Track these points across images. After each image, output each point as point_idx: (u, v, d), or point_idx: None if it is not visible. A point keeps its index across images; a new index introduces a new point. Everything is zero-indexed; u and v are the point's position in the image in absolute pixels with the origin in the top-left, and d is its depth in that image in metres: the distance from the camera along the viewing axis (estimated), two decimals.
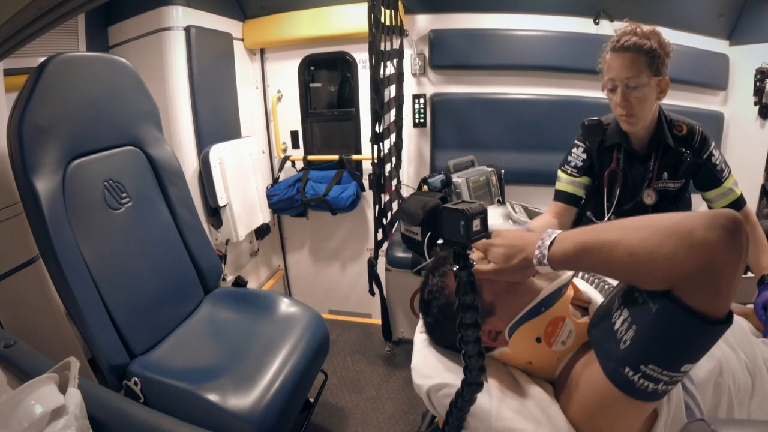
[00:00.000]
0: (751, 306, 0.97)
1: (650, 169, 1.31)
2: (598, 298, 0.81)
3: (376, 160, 1.87)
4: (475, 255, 0.73)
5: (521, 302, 0.74)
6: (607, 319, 0.64)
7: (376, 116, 1.81)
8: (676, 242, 0.52)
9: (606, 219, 1.38)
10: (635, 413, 0.62)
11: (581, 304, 0.82)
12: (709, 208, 1.35)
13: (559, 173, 1.44)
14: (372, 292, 2.08)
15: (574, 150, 1.41)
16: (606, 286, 0.87)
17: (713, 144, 1.29)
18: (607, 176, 1.36)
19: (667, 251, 0.52)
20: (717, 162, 1.28)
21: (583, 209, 1.46)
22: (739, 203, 1.30)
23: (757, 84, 2.06)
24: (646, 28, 1.17)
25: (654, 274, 0.54)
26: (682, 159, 1.28)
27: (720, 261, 0.51)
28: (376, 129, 1.83)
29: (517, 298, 0.74)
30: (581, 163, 1.39)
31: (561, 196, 1.41)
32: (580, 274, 0.96)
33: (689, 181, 1.34)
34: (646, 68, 1.15)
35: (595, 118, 1.37)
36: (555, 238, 0.66)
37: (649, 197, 1.32)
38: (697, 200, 1.50)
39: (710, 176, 1.29)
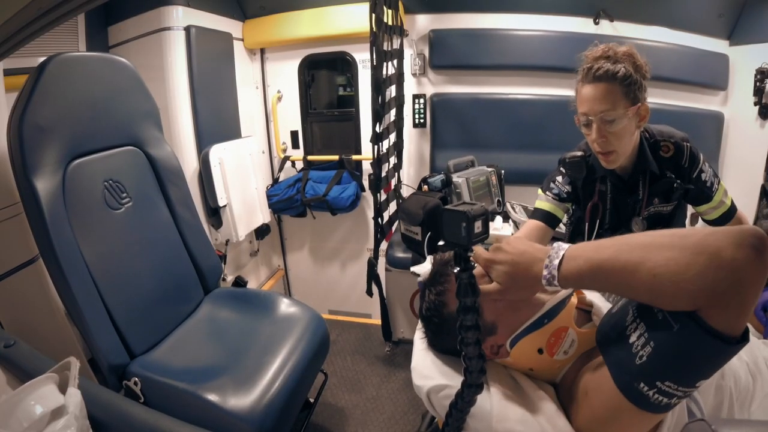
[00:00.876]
0: None
1: (640, 198, 1.23)
2: (601, 303, 0.81)
3: (375, 160, 1.87)
4: (476, 271, 0.67)
5: (523, 316, 0.73)
6: (620, 330, 0.62)
7: (377, 116, 1.81)
8: (705, 263, 0.50)
9: None
10: (646, 424, 0.61)
11: (584, 308, 0.81)
12: (702, 219, 1.31)
13: (540, 192, 1.35)
14: (370, 293, 2.08)
15: (558, 178, 1.32)
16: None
17: (702, 158, 1.20)
18: (589, 210, 1.28)
19: (695, 273, 0.50)
20: (707, 179, 1.21)
21: (572, 242, 1.42)
22: (730, 212, 1.25)
23: (757, 84, 2.06)
24: (619, 48, 1.06)
25: (680, 297, 0.52)
26: (672, 188, 1.21)
27: (747, 281, 0.49)
28: (377, 129, 1.82)
29: (519, 312, 0.73)
30: (565, 195, 1.30)
31: (539, 214, 1.31)
32: None
33: (681, 200, 1.28)
34: (623, 98, 1.05)
35: (578, 153, 1.27)
36: (564, 254, 0.62)
37: (636, 226, 1.24)
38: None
39: (701, 193, 1.22)
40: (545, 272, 0.62)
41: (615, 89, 1.04)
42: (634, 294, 0.59)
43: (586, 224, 1.29)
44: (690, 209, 1.39)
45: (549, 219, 1.30)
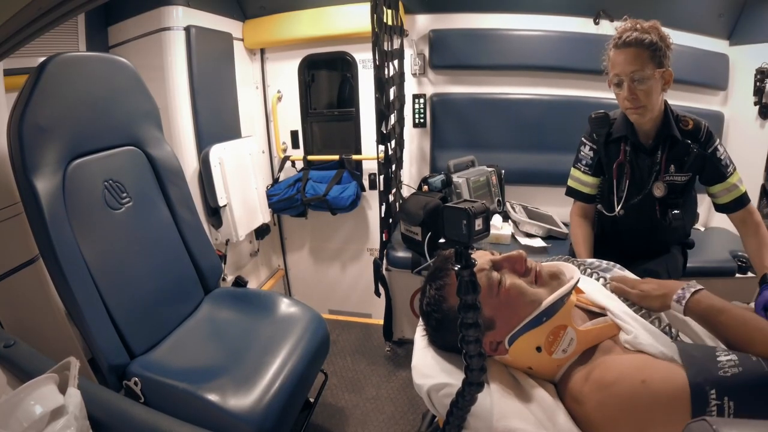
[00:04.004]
0: (751, 305, 0.97)
1: (657, 162, 1.32)
2: (601, 300, 0.80)
3: (383, 161, 1.86)
4: (476, 268, 0.66)
5: (522, 313, 0.73)
6: (709, 351, 0.66)
7: (382, 116, 1.80)
8: None
9: (616, 212, 1.39)
10: (678, 426, 0.61)
11: (584, 306, 0.81)
12: (714, 203, 1.37)
13: (573, 171, 1.49)
14: (378, 293, 2.08)
15: (582, 148, 1.45)
16: (608, 286, 0.87)
17: (718, 140, 1.31)
18: (616, 168, 1.38)
19: None
20: (722, 157, 1.30)
21: (603, 205, 1.50)
22: (743, 200, 1.31)
23: (757, 84, 2.06)
24: (645, 23, 1.21)
25: None
26: (688, 151, 1.29)
27: None
28: (383, 129, 1.82)
29: (517, 310, 0.74)
30: (590, 161, 1.43)
31: (580, 196, 1.49)
32: (584, 270, 0.95)
33: (695, 176, 1.35)
34: (650, 61, 1.19)
35: (602, 111, 1.40)
36: (701, 290, 0.73)
37: (658, 190, 1.34)
38: (701, 198, 1.52)
39: (715, 171, 1.30)
40: (680, 291, 0.74)
41: (643, 53, 1.19)
42: (740, 346, 0.66)
43: (614, 181, 1.39)
44: (699, 202, 1.42)
45: (587, 198, 1.48)
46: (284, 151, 2.78)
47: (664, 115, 1.30)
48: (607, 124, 1.38)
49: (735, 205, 1.32)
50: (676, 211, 1.35)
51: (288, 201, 2.60)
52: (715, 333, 0.72)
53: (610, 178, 1.41)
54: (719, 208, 1.36)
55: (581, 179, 1.46)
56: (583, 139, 1.45)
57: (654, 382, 0.62)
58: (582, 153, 1.46)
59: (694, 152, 1.29)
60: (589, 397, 0.67)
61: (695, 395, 0.58)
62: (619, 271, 0.96)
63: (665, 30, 1.21)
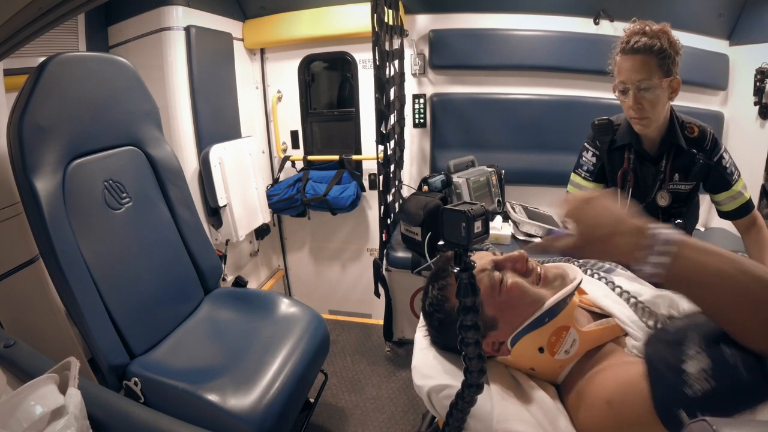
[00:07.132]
0: None
1: (662, 170, 1.29)
2: (608, 305, 0.80)
3: (381, 161, 1.86)
4: (476, 270, 0.63)
5: (524, 314, 0.73)
6: (675, 351, 0.58)
7: (381, 116, 1.80)
8: None
9: None
10: None
11: (586, 307, 0.81)
12: (718, 210, 1.36)
13: (573, 177, 1.45)
14: (378, 294, 2.08)
15: (585, 154, 1.42)
16: (612, 286, 0.87)
17: (724, 147, 1.28)
18: (620, 177, 1.35)
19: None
20: (727, 165, 1.28)
21: None
22: (747, 207, 1.30)
23: (757, 84, 2.06)
24: (654, 26, 1.16)
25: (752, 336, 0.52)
26: (694, 161, 1.27)
27: None
28: (382, 129, 1.82)
29: (520, 310, 0.73)
30: (593, 167, 1.40)
31: None
32: (585, 270, 0.95)
33: (699, 183, 1.33)
34: (657, 69, 1.14)
35: (605, 117, 1.37)
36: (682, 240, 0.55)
37: (662, 199, 1.32)
38: (701, 198, 1.51)
39: (720, 179, 1.28)
40: (661, 234, 0.56)
41: (651, 61, 1.14)
42: (721, 306, 0.56)
43: (618, 190, 1.36)
44: (701, 206, 1.41)
45: None
46: (284, 151, 2.78)
47: (670, 123, 1.26)
48: (611, 132, 1.35)
49: (739, 213, 1.31)
50: (679, 221, 1.33)
51: (288, 201, 2.60)
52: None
53: (613, 186, 1.38)
54: (723, 215, 1.34)
55: (581, 185, 1.44)
56: (586, 144, 1.42)
57: (618, 403, 0.61)
58: (584, 158, 1.42)
59: (700, 162, 1.26)
60: (585, 407, 0.67)
61: (666, 420, 0.55)
62: (622, 272, 0.96)
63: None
